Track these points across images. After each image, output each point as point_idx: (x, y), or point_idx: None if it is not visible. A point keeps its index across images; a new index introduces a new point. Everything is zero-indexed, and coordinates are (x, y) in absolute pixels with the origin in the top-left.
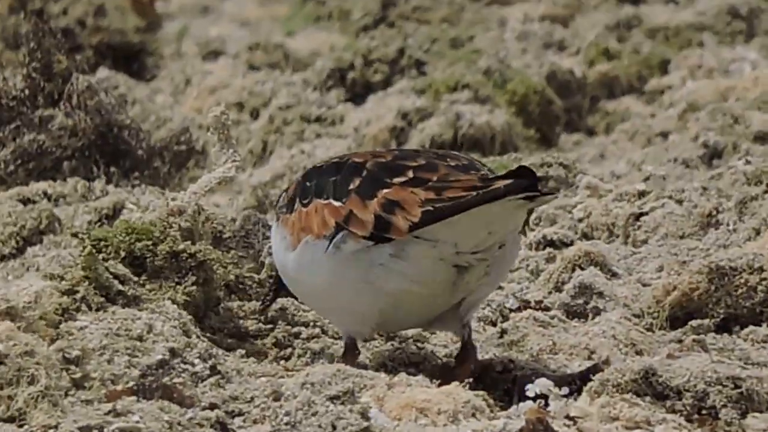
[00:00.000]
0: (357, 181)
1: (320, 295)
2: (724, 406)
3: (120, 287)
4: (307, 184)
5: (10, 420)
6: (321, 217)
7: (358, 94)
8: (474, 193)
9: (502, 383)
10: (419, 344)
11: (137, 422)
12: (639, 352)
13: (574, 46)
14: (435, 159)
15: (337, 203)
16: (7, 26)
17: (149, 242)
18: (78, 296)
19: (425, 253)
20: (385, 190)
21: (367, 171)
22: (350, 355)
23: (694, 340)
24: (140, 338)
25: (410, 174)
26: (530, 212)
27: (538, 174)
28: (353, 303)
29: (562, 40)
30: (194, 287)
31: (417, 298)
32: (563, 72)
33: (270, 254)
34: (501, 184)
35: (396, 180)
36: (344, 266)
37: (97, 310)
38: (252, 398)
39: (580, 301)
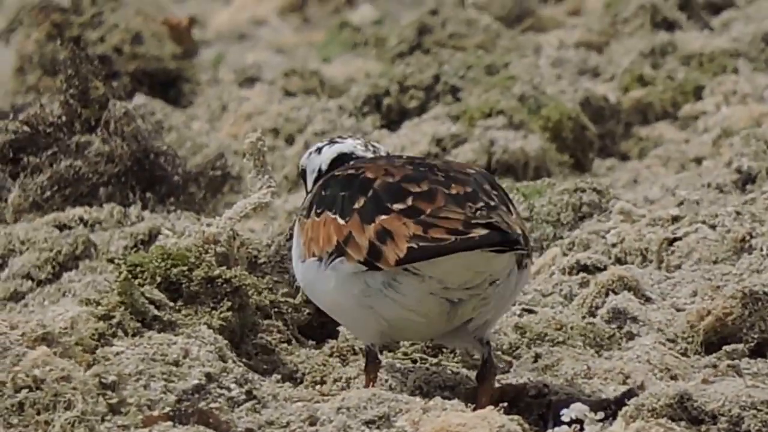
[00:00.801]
0: (362, 201)
1: (327, 308)
2: (759, 430)
3: (156, 312)
4: (323, 192)
5: None
6: (327, 232)
7: (394, 121)
8: (452, 238)
9: (537, 408)
10: (454, 368)
11: None
12: (674, 377)
13: (609, 73)
14: (439, 184)
15: (341, 221)
16: (44, 53)
17: (185, 268)
18: (114, 321)
19: (415, 285)
20: (383, 217)
21: (373, 191)
22: (371, 364)
23: (728, 365)
24: (176, 363)
25: (409, 201)
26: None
27: (513, 234)
28: (356, 321)
29: (597, 66)
30: (230, 312)
31: (414, 324)
32: (597, 98)
33: None
34: (476, 234)
35: (395, 206)
36: (344, 286)
37: (133, 335)
38: (288, 423)
39: (614, 326)
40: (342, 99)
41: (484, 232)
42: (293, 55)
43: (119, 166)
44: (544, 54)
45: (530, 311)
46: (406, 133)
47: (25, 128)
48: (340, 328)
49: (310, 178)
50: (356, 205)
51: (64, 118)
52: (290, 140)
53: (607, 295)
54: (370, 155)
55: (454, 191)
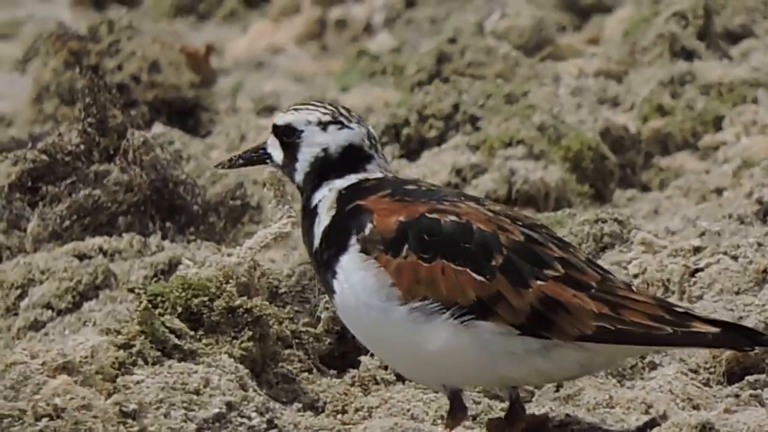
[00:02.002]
0: (499, 259)
1: (422, 358)
2: None
3: (176, 341)
4: (425, 236)
5: None
6: (455, 283)
7: (413, 150)
8: (669, 330)
9: None
10: (476, 398)
11: None
12: (696, 407)
13: (628, 102)
14: (559, 244)
15: (478, 277)
16: (62, 81)
17: (206, 298)
18: (134, 350)
19: (572, 358)
20: (540, 283)
21: (508, 250)
22: (461, 411)
23: (750, 395)
24: (197, 392)
25: (560, 269)
26: None
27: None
28: (458, 372)
29: (616, 95)
30: (251, 342)
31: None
32: (617, 128)
33: (327, 306)
34: (706, 330)
35: (548, 273)
36: (469, 342)
37: (154, 364)
38: None
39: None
40: None
41: (714, 330)
42: (311, 84)
43: (138, 196)
44: (564, 83)
45: None
46: (426, 162)
47: (44, 157)
48: (362, 358)
49: (307, 153)
50: (494, 263)
51: (82, 147)
52: None
53: None
54: (376, 156)
55: (565, 255)
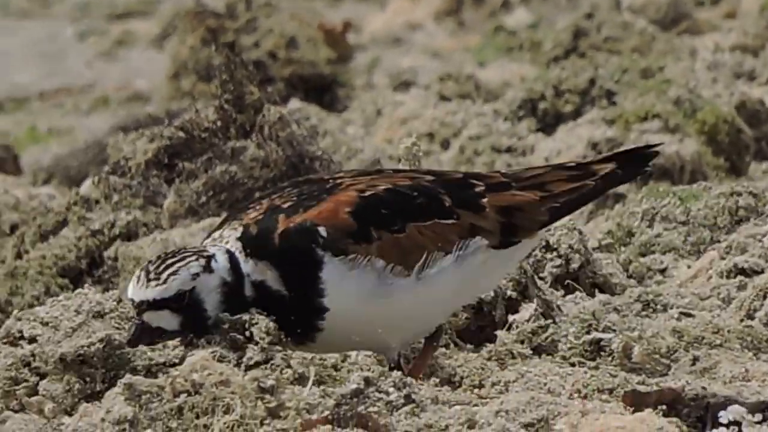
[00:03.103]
0: (447, 200)
1: (437, 304)
2: None
3: None
4: (382, 211)
5: None
6: (435, 237)
7: (549, 124)
8: (591, 183)
9: (695, 410)
10: (613, 371)
11: None
12: None
13: (764, 76)
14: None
15: (448, 221)
16: (199, 58)
17: None
18: None
19: (529, 247)
20: (485, 200)
21: (441, 190)
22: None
23: None
24: (335, 367)
25: (481, 185)
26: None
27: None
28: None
29: (753, 69)
30: None
31: None
32: (753, 101)
33: None
34: (610, 168)
35: (478, 190)
36: (471, 271)
37: None
38: (446, 426)
39: None
40: (497, 103)
41: (612, 165)
42: (448, 60)
43: (274, 171)
44: (700, 57)
45: (688, 315)
46: (562, 137)
47: (180, 134)
48: (498, 333)
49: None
50: (447, 203)
51: (219, 124)
52: (445, 145)
53: (764, 298)
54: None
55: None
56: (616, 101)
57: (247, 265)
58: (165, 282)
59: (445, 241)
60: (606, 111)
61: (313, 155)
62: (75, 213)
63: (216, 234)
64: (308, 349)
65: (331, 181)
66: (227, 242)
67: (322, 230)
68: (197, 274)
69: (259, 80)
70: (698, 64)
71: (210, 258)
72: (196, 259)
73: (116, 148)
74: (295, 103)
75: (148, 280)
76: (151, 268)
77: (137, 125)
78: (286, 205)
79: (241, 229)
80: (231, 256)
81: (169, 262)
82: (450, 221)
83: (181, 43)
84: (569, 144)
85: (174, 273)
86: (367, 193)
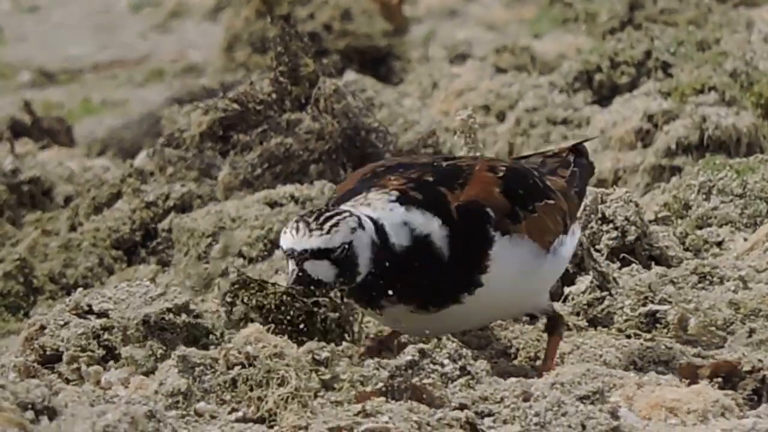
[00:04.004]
0: (533, 181)
1: (561, 273)
2: None
3: None
4: (520, 192)
5: (260, 421)
6: (554, 217)
7: (605, 96)
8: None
9: (752, 383)
10: (668, 343)
11: (386, 423)
12: None
13: None
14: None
15: (551, 201)
16: (254, 31)
17: None
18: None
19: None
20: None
21: (536, 174)
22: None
23: None
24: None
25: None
26: None
27: None
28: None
29: None
30: None
31: None
32: None
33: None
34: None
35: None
36: (574, 244)
37: None
38: (502, 399)
39: None
40: (553, 75)
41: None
42: (504, 32)
43: (330, 144)
44: (757, 29)
45: (744, 287)
46: (618, 109)
47: (235, 106)
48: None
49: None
50: (550, 185)
51: (273, 96)
52: (501, 117)
53: None
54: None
55: None
56: (672, 73)
57: (412, 215)
58: (329, 232)
59: (556, 221)
60: (662, 83)
61: (368, 127)
62: (129, 185)
63: (359, 198)
64: (422, 321)
65: (444, 162)
66: (372, 205)
67: (489, 210)
68: (355, 229)
69: (314, 52)
70: (755, 36)
71: (359, 217)
72: (350, 215)
73: (171, 120)
74: (350, 75)
75: (311, 230)
76: (310, 219)
77: (192, 97)
78: (433, 179)
79: (395, 192)
80: (375, 222)
81: (327, 215)
82: (551, 201)
83: (235, 15)
84: (625, 116)
85: (335, 225)
86: (501, 174)
